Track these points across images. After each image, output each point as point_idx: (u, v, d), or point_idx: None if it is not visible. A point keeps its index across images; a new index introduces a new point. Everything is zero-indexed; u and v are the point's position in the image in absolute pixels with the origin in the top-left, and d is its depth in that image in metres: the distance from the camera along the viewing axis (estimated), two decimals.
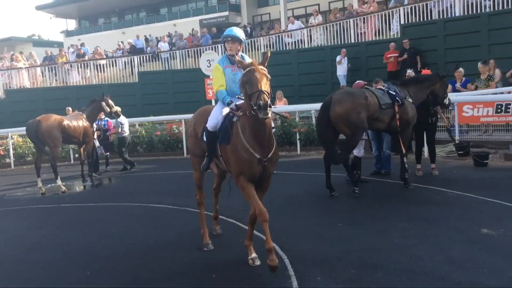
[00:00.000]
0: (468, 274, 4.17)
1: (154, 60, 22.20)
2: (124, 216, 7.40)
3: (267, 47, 19.67)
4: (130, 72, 22.03)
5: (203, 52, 18.08)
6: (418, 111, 7.99)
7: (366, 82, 8.18)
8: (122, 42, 25.04)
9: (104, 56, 22.97)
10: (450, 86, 12.02)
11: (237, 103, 4.64)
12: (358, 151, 7.82)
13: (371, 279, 4.19)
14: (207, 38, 21.83)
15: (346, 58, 16.76)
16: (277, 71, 18.16)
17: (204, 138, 5.06)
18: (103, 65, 22.02)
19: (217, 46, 20.31)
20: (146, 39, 26.19)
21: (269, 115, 4.11)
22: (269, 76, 4.28)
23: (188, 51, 21.47)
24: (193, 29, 27.40)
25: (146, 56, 22.38)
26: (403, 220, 5.91)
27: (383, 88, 7.78)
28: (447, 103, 8.51)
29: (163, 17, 34.31)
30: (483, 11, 14.47)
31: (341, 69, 16.79)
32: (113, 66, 22.16)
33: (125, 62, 22.31)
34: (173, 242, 5.73)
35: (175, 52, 21.66)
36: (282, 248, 5.11)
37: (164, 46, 22.58)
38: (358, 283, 4.13)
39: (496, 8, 14.18)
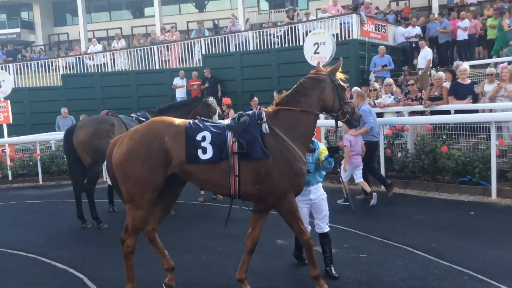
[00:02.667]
0: (268, 281, 4.70)
1: None
2: None
3: (66, 68, 18.61)
4: None
5: None
6: None
7: (110, 111, 8.09)
8: None
9: None
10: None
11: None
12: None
13: None
14: None
15: (184, 79, 16.80)
16: (79, 95, 17.38)
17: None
18: None
19: (8, 66, 18.47)
20: None
21: None
22: None
23: None
24: None
25: None
26: (209, 239, 6.25)
27: (134, 115, 7.90)
28: (216, 119, 8.35)
29: None
30: (272, 47, 16.33)
31: (180, 92, 16.76)
32: None
33: None
34: None
35: None
36: (90, 278, 4.96)
37: None
38: None
39: (283, 45, 16.17)
